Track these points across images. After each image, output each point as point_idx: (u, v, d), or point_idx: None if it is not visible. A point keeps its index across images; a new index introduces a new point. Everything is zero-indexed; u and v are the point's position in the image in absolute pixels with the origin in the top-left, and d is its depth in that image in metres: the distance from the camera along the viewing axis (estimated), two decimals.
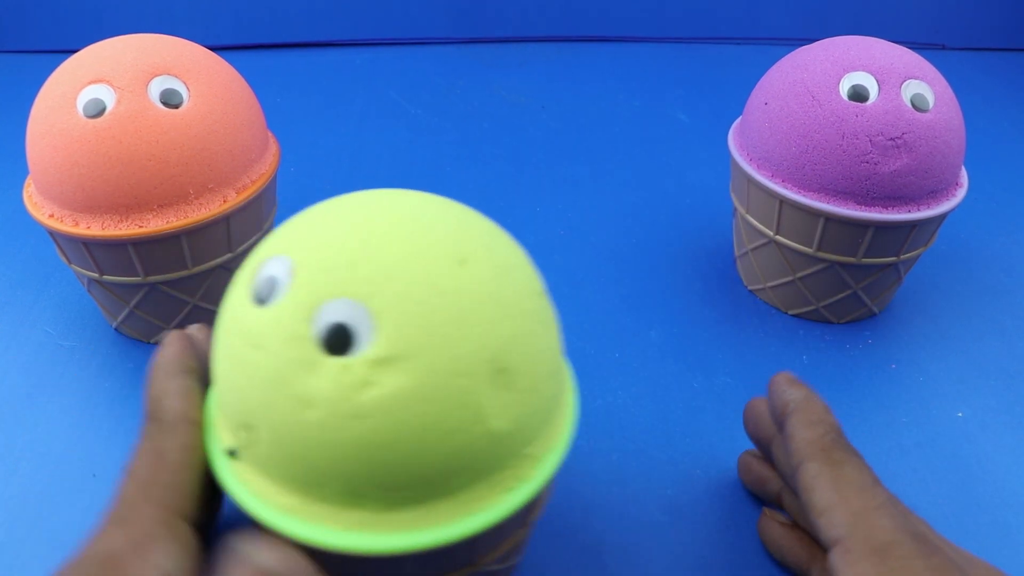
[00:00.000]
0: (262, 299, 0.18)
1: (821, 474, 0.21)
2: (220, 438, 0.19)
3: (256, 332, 0.17)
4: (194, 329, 0.25)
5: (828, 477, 0.20)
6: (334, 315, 0.17)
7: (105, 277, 0.31)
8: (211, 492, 0.21)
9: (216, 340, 0.19)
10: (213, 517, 0.21)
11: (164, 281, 0.31)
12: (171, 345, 0.23)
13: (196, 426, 0.21)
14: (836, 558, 0.19)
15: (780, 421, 0.24)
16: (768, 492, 0.27)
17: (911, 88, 0.31)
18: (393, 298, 0.17)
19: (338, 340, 0.17)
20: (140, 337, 0.34)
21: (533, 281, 0.20)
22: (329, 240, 0.18)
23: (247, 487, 0.18)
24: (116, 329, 0.35)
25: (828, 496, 0.20)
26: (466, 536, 0.17)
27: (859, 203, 0.32)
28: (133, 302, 0.32)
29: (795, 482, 0.22)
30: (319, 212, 0.19)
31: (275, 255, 0.18)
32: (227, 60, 0.33)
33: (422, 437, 0.17)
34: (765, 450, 0.26)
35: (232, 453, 0.19)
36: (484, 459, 0.18)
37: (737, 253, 0.39)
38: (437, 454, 0.17)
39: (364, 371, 0.16)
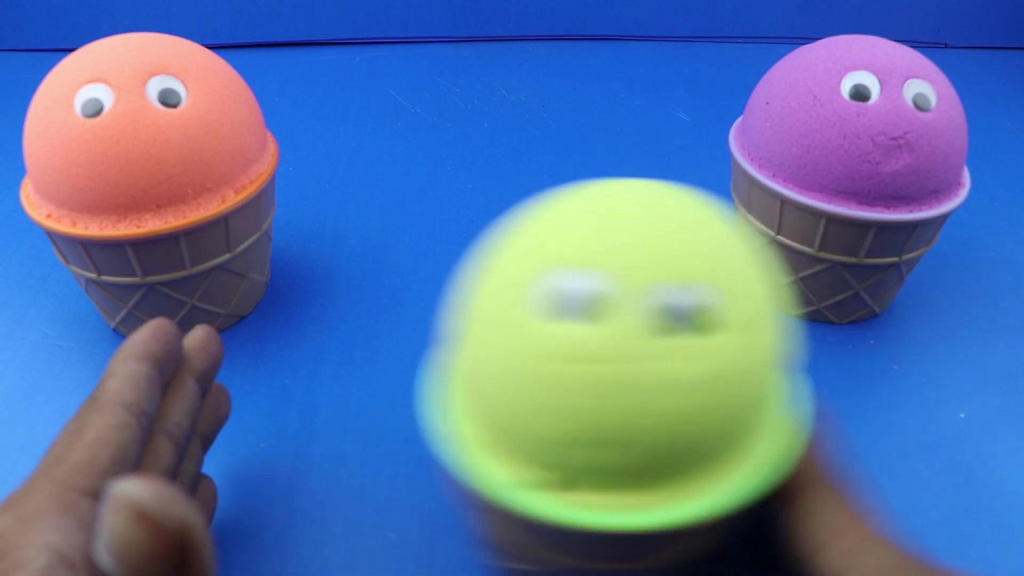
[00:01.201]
0: (582, 314, 0.17)
1: (816, 507, 0.20)
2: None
3: (613, 344, 0.17)
4: (198, 331, 0.25)
5: (825, 510, 0.19)
6: (666, 298, 0.17)
7: (103, 277, 0.31)
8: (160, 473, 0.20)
9: (511, 379, 0.18)
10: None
11: (162, 281, 0.31)
12: (141, 331, 0.22)
13: (128, 409, 0.20)
14: None
15: None
16: None
17: (913, 87, 0.31)
18: (711, 268, 0.18)
19: (679, 318, 0.18)
20: None
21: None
22: (617, 236, 0.18)
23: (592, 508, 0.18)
24: (114, 330, 0.35)
25: (825, 531, 0.19)
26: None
27: (861, 203, 0.31)
28: (131, 302, 0.32)
29: (782, 514, 0.21)
30: (561, 216, 0.19)
31: (560, 271, 0.18)
32: (225, 59, 0.33)
33: (761, 376, 0.19)
34: None
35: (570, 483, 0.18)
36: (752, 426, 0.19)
37: None
38: (752, 406, 0.19)
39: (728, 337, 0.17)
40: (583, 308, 0.17)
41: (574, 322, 0.17)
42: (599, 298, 0.17)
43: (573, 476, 0.18)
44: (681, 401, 0.17)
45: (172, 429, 0.22)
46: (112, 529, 0.15)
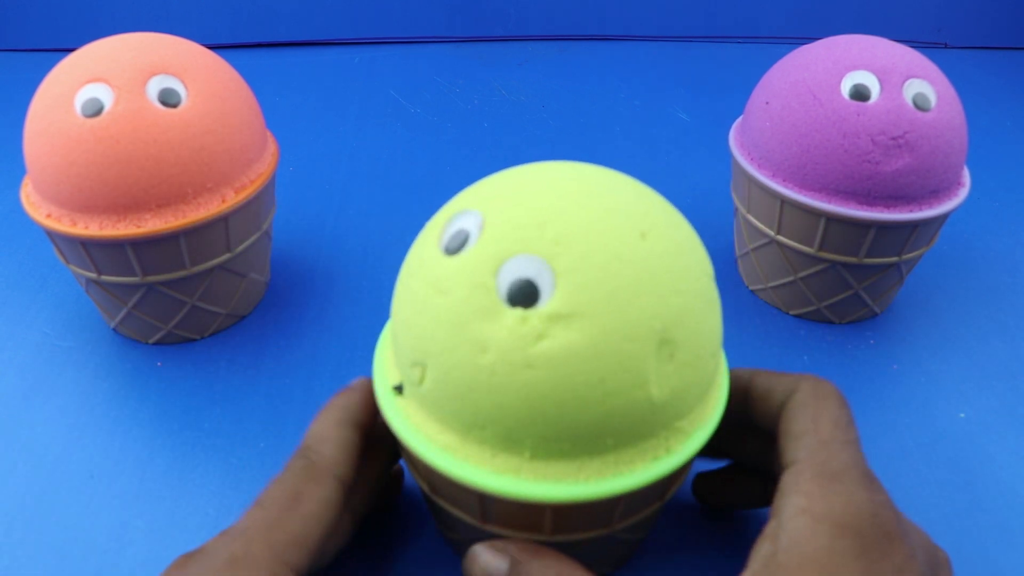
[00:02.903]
0: (451, 249, 0.19)
1: (806, 404, 0.21)
2: (389, 376, 0.21)
3: (443, 279, 0.19)
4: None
5: (811, 408, 0.21)
6: (518, 270, 0.18)
7: (103, 277, 0.31)
8: (330, 550, 0.21)
9: (400, 284, 0.20)
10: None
11: (162, 281, 0.31)
12: (356, 391, 0.23)
13: (342, 484, 0.21)
14: (788, 477, 0.20)
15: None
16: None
17: (913, 87, 0.31)
18: (576, 260, 0.18)
19: (520, 294, 0.18)
20: (138, 337, 0.34)
21: (705, 263, 0.21)
22: (520, 200, 0.19)
23: (408, 421, 0.20)
24: (114, 329, 0.35)
25: (805, 424, 0.21)
26: (609, 495, 0.18)
27: (861, 203, 0.31)
28: (131, 302, 0.32)
29: (777, 419, 0.22)
30: (512, 174, 0.21)
31: (467, 209, 0.20)
32: (226, 59, 0.33)
33: (584, 393, 0.18)
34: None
35: (399, 388, 0.20)
36: (638, 424, 0.19)
37: (738, 253, 0.39)
38: (595, 412, 0.18)
39: (540, 324, 0.18)
40: (462, 243, 0.19)
41: (456, 255, 0.19)
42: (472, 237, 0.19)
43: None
44: (535, 375, 0.18)
45: (357, 505, 0.23)
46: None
